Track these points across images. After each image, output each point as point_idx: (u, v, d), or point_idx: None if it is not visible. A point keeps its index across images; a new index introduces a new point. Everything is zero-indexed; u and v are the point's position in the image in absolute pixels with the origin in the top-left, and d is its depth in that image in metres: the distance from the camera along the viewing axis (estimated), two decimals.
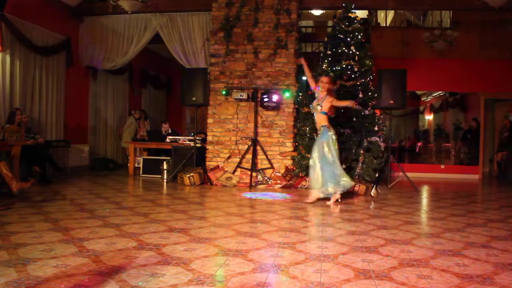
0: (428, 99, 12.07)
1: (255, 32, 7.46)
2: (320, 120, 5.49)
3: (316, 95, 5.61)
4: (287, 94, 7.31)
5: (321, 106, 5.46)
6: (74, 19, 8.96)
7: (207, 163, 7.58)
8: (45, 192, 5.75)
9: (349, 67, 6.99)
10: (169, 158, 7.92)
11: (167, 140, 8.15)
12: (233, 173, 7.32)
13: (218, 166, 7.46)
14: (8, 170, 5.14)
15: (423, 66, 9.68)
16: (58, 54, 8.37)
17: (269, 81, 7.43)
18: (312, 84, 5.72)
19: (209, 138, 7.66)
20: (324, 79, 5.60)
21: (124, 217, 4.20)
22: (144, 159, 8.55)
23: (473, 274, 2.59)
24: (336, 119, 6.73)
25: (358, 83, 6.94)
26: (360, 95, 6.89)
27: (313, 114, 5.70)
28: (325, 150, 5.35)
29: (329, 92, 5.54)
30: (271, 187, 6.96)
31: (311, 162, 5.47)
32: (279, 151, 7.40)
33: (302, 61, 5.80)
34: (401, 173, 7.27)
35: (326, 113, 5.45)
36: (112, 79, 10.21)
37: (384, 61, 9.17)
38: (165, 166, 7.77)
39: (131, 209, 4.65)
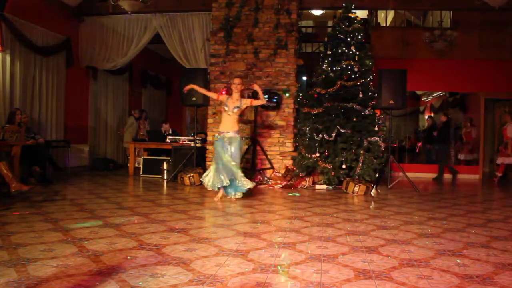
0: (428, 99, 12.07)
1: (255, 32, 7.46)
2: (234, 122, 5.51)
3: (225, 100, 5.54)
4: (287, 94, 7.31)
5: (238, 109, 5.48)
6: (74, 19, 8.96)
7: (207, 163, 7.58)
8: (45, 192, 5.75)
9: (349, 67, 7.00)
10: (169, 158, 7.92)
11: (167, 140, 8.14)
12: None
13: None
14: (8, 170, 5.14)
15: (423, 66, 9.67)
16: (58, 54, 8.37)
17: (269, 81, 7.43)
18: (214, 96, 5.79)
19: (209, 138, 7.65)
20: (236, 80, 5.59)
21: (124, 217, 4.20)
22: (144, 159, 8.55)
23: (473, 274, 2.59)
24: (336, 119, 6.76)
25: (358, 83, 6.94)
26: (360, 95, 6.89)
27: (229, 115, 5.54)
28: (236, 155, 5.44)
29: (242, 94, 5.65)
30: (271, 187, 6.96)
31: (220, 164, 5.39)
32: (279, 151, 7.40)
33: (195, 87, 5.81)
34: (401, 173, 7.27)
35: (241, 116, 5.58)
36: (112, 79, 10.21)
37: (384, 61, 9.17)
38: (165, 166, 7.76)
39: (131, 209, 4.65)
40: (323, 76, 7.14)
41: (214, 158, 5.58)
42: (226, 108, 5.50)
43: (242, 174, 5.46)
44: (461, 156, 10.82)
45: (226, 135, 5.47)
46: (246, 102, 5.60)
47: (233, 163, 5.38)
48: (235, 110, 5.48)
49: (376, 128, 6.81)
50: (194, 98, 7.26)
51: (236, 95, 5.53)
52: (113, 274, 2.46)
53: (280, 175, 7.15)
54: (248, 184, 5.46)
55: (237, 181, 5.43)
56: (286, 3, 7.40)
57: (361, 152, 6.57)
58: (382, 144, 6.75)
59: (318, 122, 6.84)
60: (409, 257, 2.96)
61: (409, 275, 2.55)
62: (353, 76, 6.98)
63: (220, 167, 5.39)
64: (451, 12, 9.72)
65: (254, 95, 6.27)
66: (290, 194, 6.21)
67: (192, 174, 7.00)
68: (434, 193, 7.06)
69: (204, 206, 5.13)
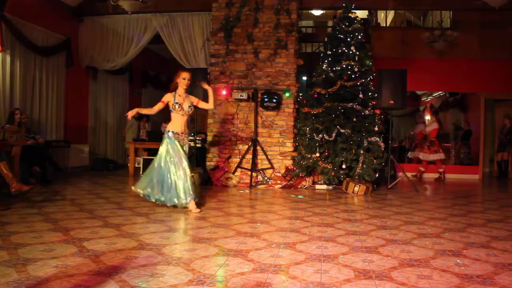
0: (428, 99, 12.06)
1: (255, 32, 7.46)
2: (186, 124, 4.83)
3: (173, 99, 4.79)
4: (287, 94, 7.31)
5: (192, 108, 4.82)
6: (74, 19, 8.96)
7: (207, 163, 7.59)
8: (45, 192, 5.75)
9: (349, 67, 7.00)
10: None
11: None
12: (233, 173, 7.31)
13: (218, 166, 7.46)
14: (8, 170, 5.13)
15: (423, 66, 9.67)
16: (58, 54, 8.39)
17: (269, 81, 7.43)
18: (161, 105, 4.88)
19: (209, 138, 7.66)
20: (187, 74, 4.72)
21: (124, 217, 4.20)
22: (144, 159, 8.56)
23: (473, 274, 2.59)
24: (336, 119, 6.76)
25: (358, 83, 6.94)
26: (360, 95, 6.89)
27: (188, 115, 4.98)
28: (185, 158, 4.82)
29: (187, 91, 4.84)
30: (271, 187, 6.96)
31: (181, 172, 4.79)
32: (279, 151, 7.40)
33: (139, 110, 4.94)
34: (401, 173, 7.27)
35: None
36: (112, 79, 10.22)
37: (384, 61, 9.16)
38: None
39: (131, 209, 4.65)
40: (323, 76, 7.13)
41: (158, 163, 4.72)
42: (178, 107, 4.72)
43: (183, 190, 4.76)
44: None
45: (181, 136, 4.80)
46: (194, 101, 4.90)
47: (182, 176, 4.79)
48: (189, 109, 4.79)
49: (376, 128, 6.82)
50: None
51: (183, 92, 4.77)
52: (113, 274, 2.46)
53: (280, 175, 7.16)
54: (184, 202, 4.69)
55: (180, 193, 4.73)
56: (286, 3, 7.40)
57: (361, 152, 6.57)
58: (382, 144, 6.75)
59: (318, 122, 6.84)
60: (409, 257, 2.96)
61: (409, 275, 2.55)
62: (353, 76, 6.98)
63: (161, 183, 4.69)
64: (451, 12, 9.72)
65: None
66: (292, 196, 6.21)
67: (192, 174, 6.97)
68: (434, 193, 7.06)
69: (204, 206, 5.13)
